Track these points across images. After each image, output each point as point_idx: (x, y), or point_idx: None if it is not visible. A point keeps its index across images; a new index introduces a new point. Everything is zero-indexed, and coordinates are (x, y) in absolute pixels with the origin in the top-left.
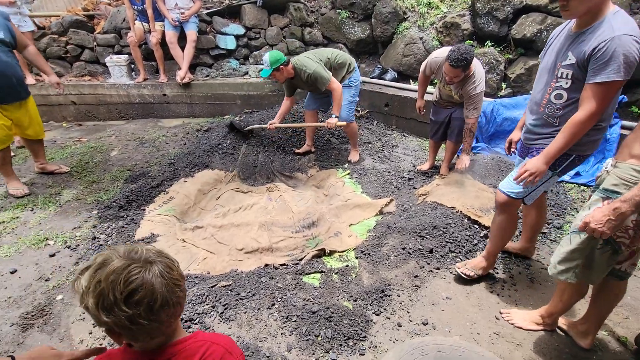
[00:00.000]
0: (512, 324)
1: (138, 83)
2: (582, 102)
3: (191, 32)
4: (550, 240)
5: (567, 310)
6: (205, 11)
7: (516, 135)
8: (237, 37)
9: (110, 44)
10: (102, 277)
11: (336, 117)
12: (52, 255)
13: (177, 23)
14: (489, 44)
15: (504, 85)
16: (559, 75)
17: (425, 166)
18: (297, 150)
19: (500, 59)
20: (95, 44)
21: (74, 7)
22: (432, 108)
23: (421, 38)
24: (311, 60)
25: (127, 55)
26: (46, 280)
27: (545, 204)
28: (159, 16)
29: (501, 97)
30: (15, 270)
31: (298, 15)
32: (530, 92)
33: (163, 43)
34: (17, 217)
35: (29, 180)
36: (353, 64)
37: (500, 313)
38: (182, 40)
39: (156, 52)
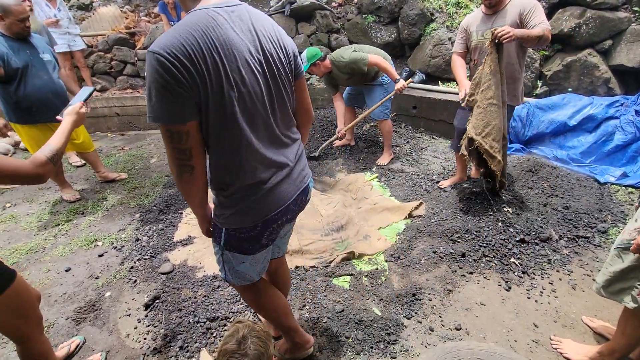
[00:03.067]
0: (561, 354)
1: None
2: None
3: None
4: (595, 245)
5: (634, 348)
6: None
7: None
8: None
9: None
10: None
11: (398, 79)
12: (100, 255)
13: None
14: None
15: (539, 84)
16: None
17: (447, 182)
18: (337, 143)
19: (535, 56)
20: (136, 58)
21: (118, 26)
22: (457, 112)
23: (449, 38)
24: (346, 50)
25: None
26: (96, 278)
27: None
28: None
29: (537, 95)
30: (70, 269)
31: (324, 22)
32: (570, 89)
33: None
34: (70, 220)
35: (79, 187)
36: (388, 60)
37: (550, 339)
38: None
39: None
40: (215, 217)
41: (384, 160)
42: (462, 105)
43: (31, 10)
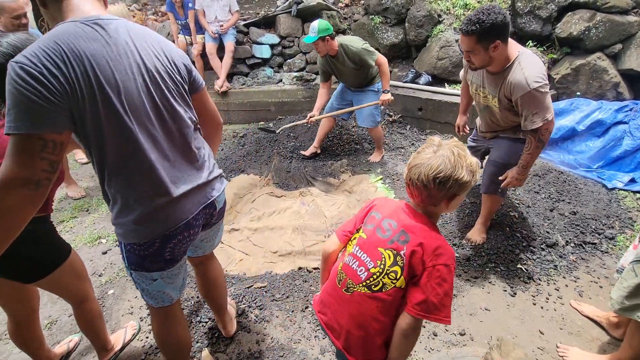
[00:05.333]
0: None
1: None
2: None
3: (229, 43)
4: (602, 251)
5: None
6: (242, 22)
7: None
8: (272, 46)
9: None
10: None
11: (387, 90)
12: (104, 253)
13: (216, 35)
14: (531, 44)
15: None
16: None
17: None
18: (304, 152)
19: (543, 59)
20: None
21: None
22: (474, 131)
23: (457, 40)
24: (357, 40)
25: None
26: (99, 276)
27: None
28: (200, 29)
29: None
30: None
31: (331, 22)
32: (578, 94)
33: (203, 54)
34: (75, 217)
35: (84, 184)
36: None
37: (557, 347)
38: (220, 51)
39: (197, 63)
40: (115, 228)
41: (376, 157)
42: (456, 131)
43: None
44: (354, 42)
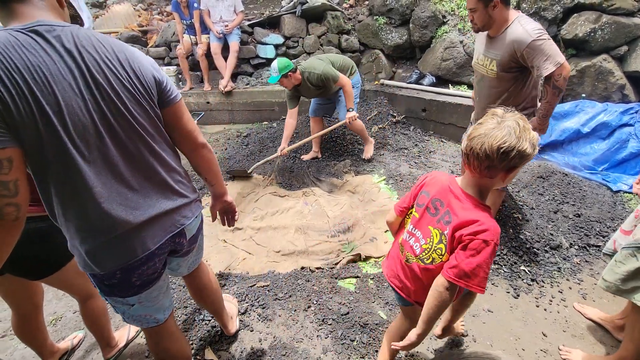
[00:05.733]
0: None
1: (184, 92)
2: None
3: (234, 43)
4: (606, 254)
5: None
6: (247, 22)
7: None
8: (277, 46)
9: (161, 56)
10: None
11: (351, 109)
12: None
13: (221, 35)
14: None
15: None
16: None
17: None
18: (304, 157)
19: None
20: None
21: (131, 24)
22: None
23: (461, 41)
24: (318, 61)
25: (175, 67)
26: None
27: None
28: (205, 29)
29: None
30: None
31: (335, 23)
32: (583, 95)
33: (208, 54)
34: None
35: None
36: (354, 67)
37: (559, 349)
38: (225, 50)
39: (202, 62)
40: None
41: (368, 153)
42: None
43: None
44: (316, 66)
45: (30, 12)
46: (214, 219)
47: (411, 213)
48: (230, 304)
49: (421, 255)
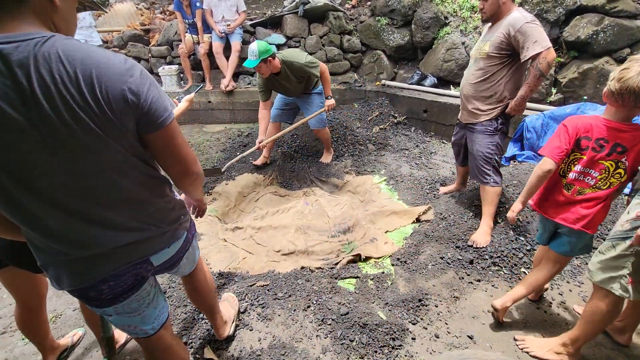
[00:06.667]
0: (528, 353)
1: (186, 91)
2: None
3: (236, 43)
4: None
5: (596, 336)
6: (249, 22)
7: None
8: (278, 46)
9: (163, 55)
10: None
11: (330, 96)
12: None
13: (223, 34)
14: None
15: (554, 90)
16: None
17: (444, 189)
18: (255, 163)
19: None
20: (150, 55)
21: (133, 23)
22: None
23: (463, 43)
24: (298, 51)
25: (177, 66)
26: None
27: None
28: (207, 28)
29: (550, 102)
30: None
31: (337, 23)
32: (585, 98)
33: (210, 53)
34: None
35: None
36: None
37: (515, 339)
38: (227, 50)
39: (203, 62)
40: None
41: (327, 159)
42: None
43: None
44: (297, 56)
45: (2, 20)
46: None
47: (574, 160)
48: (229, 308)
49: (596, 185)
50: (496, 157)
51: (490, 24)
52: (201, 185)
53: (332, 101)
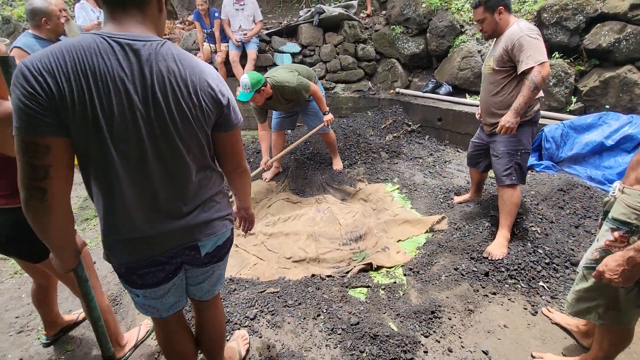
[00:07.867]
0: None
1: None
2: None
3: (252, 52)
4: None
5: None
6: (265, 32)
7: None
8: (293, 54)
9: None
10: None
11: (327, 112)
12: None
13: (239, 43)
14: (557, 55)
15: (574, 99)
16: None
17: (459, 198)
18: (265, 176)
19: (569, 71)
20: None
21: None
22: (477, 130)
23: (479, 51)
24: (289, 73)
25: None
26: None
27: None
28: (224, 38)
29: (570, 112)
30: (95, 262)
31: (352, 32)
32: (607, 107)
33: (226, 62)
34: (97, 216)
35: None
36: (316, 77)
37: (532, 357)
38: (243, 58)
39: (220, 70)
40: None
41: (337, 165)
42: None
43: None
44: (288, 80)
45: (126, 22)
46: (235, 221)
47: None
48: (235, 352)
49: None
50: (521, 152)
51: (495, 38)
52: (249, 180)
53: (329, 116)
